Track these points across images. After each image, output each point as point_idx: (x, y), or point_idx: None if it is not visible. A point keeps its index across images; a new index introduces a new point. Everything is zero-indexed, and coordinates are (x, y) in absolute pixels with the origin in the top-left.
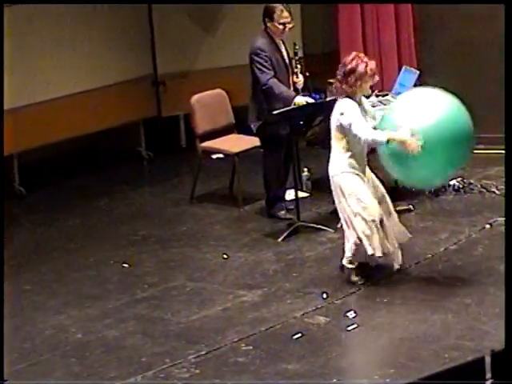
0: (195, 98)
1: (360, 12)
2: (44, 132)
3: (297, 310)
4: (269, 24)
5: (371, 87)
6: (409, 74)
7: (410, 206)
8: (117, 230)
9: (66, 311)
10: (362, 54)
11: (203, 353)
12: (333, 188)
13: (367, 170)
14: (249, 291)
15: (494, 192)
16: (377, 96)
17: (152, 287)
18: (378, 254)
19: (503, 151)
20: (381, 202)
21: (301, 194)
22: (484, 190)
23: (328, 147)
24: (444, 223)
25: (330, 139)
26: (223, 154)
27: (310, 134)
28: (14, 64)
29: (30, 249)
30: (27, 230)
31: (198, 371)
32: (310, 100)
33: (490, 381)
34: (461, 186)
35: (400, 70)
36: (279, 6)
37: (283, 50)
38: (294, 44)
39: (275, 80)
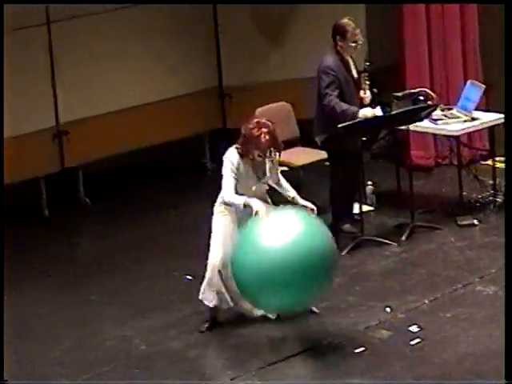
0: (260, 110)
1: (426, 26)
2: (109, 143)
3: (360, 323)
4: (340, 42)
5: None
6: (474, 89)
7: (475, 221)
8: (180, 241)
9: (129, 322)
10: (263, 123)
11: (265, 365)
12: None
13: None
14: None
15: None
16: (442, 110)
17: None
18: (208, 303)
19: None
20: None
21: (365, 208)
22: None
23: (393, 161)
24: None
25: (395, 152)
26: (288, 166)
27: (375, 147)
28: (79, 76)
29: (94, 259)
30: (92, 240)
31: (259, 383)
32: (378, 112)
33: None
34: None
35: (465, 84)
36: (351, 24)
37: (352, 66)
38: (365, 60)
39: (337, 100)
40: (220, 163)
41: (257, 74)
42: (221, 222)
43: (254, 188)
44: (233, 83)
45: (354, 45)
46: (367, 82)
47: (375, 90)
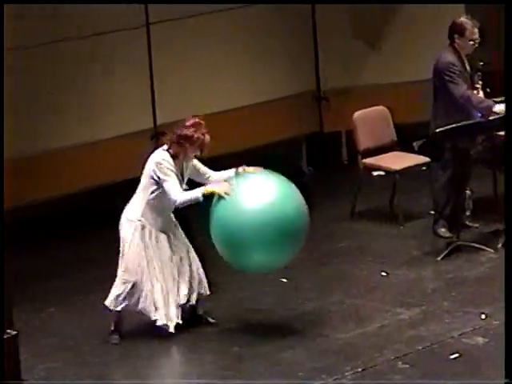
0: (357, 114)
1: None
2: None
3: (455, 329)
4: (458, 40)
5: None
6: None
7: None
8: None
9: (224, 324)
10: (200, 123)
11: (360, 370)
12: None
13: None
14: (407, 309)
15: None
16: None
17: (310, 302)
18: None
19: None
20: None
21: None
22: None
23: (490, 166)
24: None
25: (492, 157)
26: (384, 170)
27: (474, 152)
28: (177, 77)
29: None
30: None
31: None
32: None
33: None
34: None
35: None
36: (469, 23)
37: (466, 65)
38: (480, 61)
39: (471, 91)
40: (317, 167)
41: (354, 78)
42: (140, 239)
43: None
44: (330, 87)
45: (471, 43)
46: (480, 82)
47: (488, 90)
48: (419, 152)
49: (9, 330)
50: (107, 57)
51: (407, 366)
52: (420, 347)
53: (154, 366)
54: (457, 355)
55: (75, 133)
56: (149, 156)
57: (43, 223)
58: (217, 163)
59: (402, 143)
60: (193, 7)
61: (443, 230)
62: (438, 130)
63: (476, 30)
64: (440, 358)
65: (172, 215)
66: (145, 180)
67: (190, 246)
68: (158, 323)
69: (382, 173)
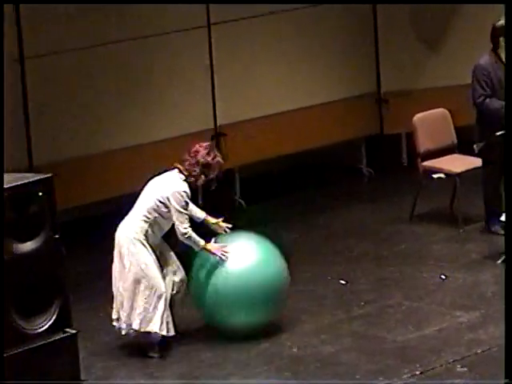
0: (418, 116)
1: None
2: (265, 146)
3: None
4: (503, 42)
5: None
6: None
7: None
8: (334, 245)
9: (281, 325)
10: (211, 146)
11: (418, 373)
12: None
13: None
14: (466, 312)
15: None
16: None
17: (368, 304)
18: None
19: None
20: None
21: None
22: None
23: None
24: None
25: None
26: (445, 173)
27: None
28: (238, 78)
29: None
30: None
31: None
32: None
33: None
34: None
35: None
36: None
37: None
38: None
39: (490, 99)
40: (377, 169)
41: (415, 80)
42: (146, 252)
43: None
44: (391, 89)
45: None
46: None
47: None
48: (479, 155)
49: (68, 329)
50: (167, 57)
51: (465, 369)
52: (479, 351)
53: (212, 366)
54: None
55: (135, 134)
56: (157, 174)
57: (94, 223)
58: (277, 164)
59: (463, 146)
60: (252, 8)
61: (497, 227)
62: (498, 133)
63: None
64: (499, 362)
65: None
66: (152, 202)
67: (180, 266)
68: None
69: (442, 175)
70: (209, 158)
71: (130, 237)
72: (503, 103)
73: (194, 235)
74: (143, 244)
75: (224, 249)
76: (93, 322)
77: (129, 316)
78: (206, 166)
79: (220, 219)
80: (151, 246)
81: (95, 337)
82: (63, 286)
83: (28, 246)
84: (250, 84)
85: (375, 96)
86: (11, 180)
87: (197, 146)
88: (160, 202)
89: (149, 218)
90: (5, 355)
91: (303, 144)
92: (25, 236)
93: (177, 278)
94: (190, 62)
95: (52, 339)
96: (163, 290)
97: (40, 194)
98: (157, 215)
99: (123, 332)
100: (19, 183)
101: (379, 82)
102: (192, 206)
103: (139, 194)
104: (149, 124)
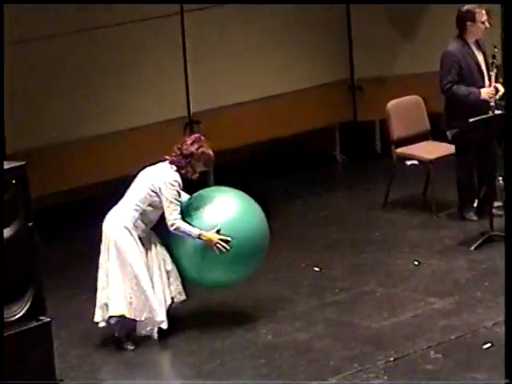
0: (391, 103)
1: None
2: (240, 134)
3: (487, 319)
4: (471, 27)
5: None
6: None
7: None
8: (309, 233)
9: (256, 313)
10: (200, 138)
11: (392, 359)
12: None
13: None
14: (440, 299)
15: None
16: None
17: (343, 291)
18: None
19: None
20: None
21: (496, 203)
22: None
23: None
24: None
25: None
26: (418, 160)
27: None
28: (211, 65)
29: None
30: None
31: (386, 377)
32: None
33: None
34: None
35: None
36: (476, 6)
37: (479, 56)
38: (494, 47)
39: (457, 86)
40: (351, 156)
41: (388, 67)
42: (133, 241)
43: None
44: (364, 76)
45: (483, 26)
46: (492, 73)
47: (501, 81)
48: (452, 142)
49: (42, 317)
50: (141, 44)
51: (440, 355)
52: (453, 337)
53: (186, 354)
54: (489, 345)
55: (109, 120)
56: (148, 166)
57: (75, 209)
58: (251, 152)
59: (436, 133)
60: None
61: (471, 213)
62: (471, 120)
63: (484, 12)
64: (473, 348)
65: None
66: (143, 192)
67: (167, 255)
68: (164, 326)
69: (415, 162)
70: (192, 149)
71: (120, 225)
72: (471, 89)
73: (185, 225)
74: (131, 233)
75: (223, 242)
76: (68, 309)
77: (111, 304)
78: (189, 157)
79: None
80: (140, 238)
81: (70, 324)
82: (37, 274)
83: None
84: (224, 71)
85: (348, 83)
86: None
87: (186, 138)
88: (152, 191)
89: (140, 208)
90: None
91: (277, 131)
92: None
93: (172, 287)
94: (163, 50)
95: (26, 327)
96: (144, 280)
97: (13, 181)
98: (148, 205)
99: (102, 324)
100: None
101: (352, 69)
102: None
103: (129, 183)
104: (124, 111)
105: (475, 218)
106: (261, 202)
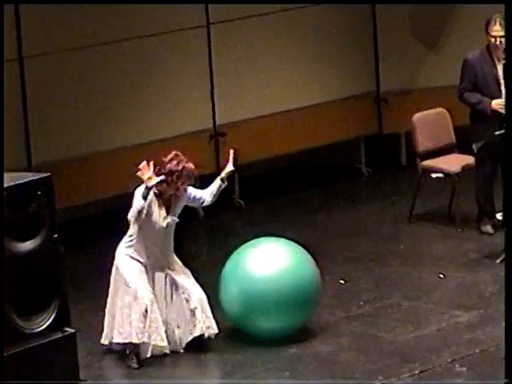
0: (417, 116)
1: None
2: (264, 146)
3: None
4: (486, 37)
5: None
6: None
7: None
8: (333, 245)
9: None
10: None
11: (417, 372)
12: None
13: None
14: (464, 312)
15: None
16: None
17: (367, 304)
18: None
19: None
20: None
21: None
22: None
23: None
24: None
25: None
26: (443, 173)
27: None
28: (237, 78)
29: None
30: (246, 241)
31: None
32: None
33: None
34: None
35: None
36: (493, 17)
37: (499, 68)
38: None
39: (468, 93)
40: (376, 168)
41: (414, 80)
42: (132, 264)
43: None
44: (390, 88)
45: (492, 40)
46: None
47: None
48: (477, 154)
49: (67, 328)
50: (167, 57)
51: (464, 368)
52: (477, 350)
53: (209, 366)
54: None
55: (133, 133)
56: None
57: (99, 221)
58: (276, 164)
59: (462, 145)
60: (251, 8)
61: (488, 226)
62: (497, 133)
63: (497, 27)
64: (498, 361)
65: (168, 253)
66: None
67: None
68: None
69: (440, 175)
70: (171, 165)
71: (119, 249)
72: (482, 98)
73: (133, 209)
74: (129, 256)
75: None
76: (93, 321)
77: (111, 329)
78: (170, 174)
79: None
80: (140, 261)
81: (95, 336)
82: (62, 285)
83: (27, 245)
84: (250, 84)
85: (374, 95)
86: (10, 179)
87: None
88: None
89: (131, 230)
90: (4, 355)
91: (302, 143)
92: (24, 235)
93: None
94: (189, 62)
95: (51, 338)
96: (144, 301)
97: (39, 193)
98: (138, 223)
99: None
100: (18, 182)
101: (378, 82)
102: (198, 191)
103: None
104: (148, 123)
105: (492, 231)
106: (286, 214)
